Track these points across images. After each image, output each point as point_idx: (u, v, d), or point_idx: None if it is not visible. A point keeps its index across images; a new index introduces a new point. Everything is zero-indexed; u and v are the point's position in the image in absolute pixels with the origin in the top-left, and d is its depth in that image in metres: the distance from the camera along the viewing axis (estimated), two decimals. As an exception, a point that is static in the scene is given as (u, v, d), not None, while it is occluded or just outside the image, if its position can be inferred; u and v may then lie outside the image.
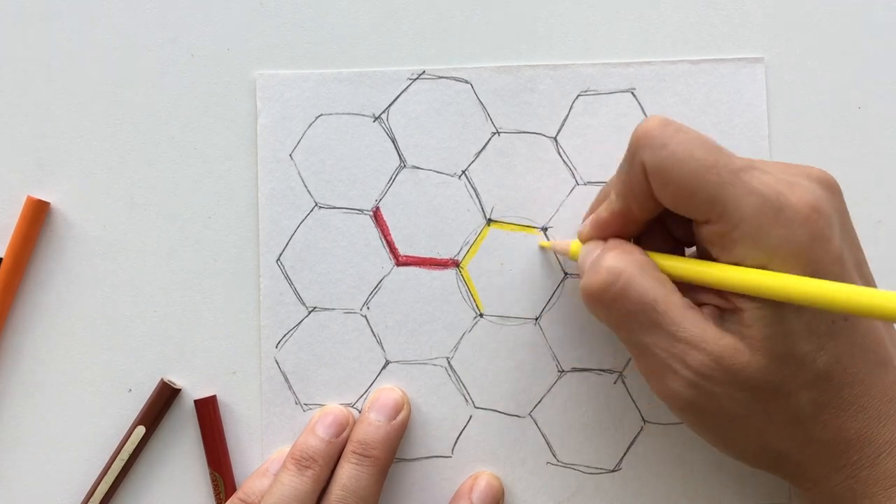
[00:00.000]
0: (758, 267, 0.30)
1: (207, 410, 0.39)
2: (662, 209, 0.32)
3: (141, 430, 0.39)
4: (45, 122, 0.40)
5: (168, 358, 0.40)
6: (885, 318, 0.27)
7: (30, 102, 0.40)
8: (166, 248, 0.40)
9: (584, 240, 0.35)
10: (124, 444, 0.39)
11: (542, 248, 0.39)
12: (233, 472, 0.39)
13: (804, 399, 0.30)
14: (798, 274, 0.29)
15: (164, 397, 0.39)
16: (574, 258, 0.36)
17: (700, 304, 0.32)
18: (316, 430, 0.37)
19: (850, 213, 0.32)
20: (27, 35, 0.40)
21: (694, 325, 0.30)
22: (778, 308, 0.30)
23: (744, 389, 0.30)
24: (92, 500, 0.38)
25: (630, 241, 0.34)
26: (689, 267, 0.32)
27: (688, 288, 0.32)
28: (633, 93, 0.39)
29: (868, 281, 0.32)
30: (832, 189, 0.31)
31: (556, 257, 0.39)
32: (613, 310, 0.32)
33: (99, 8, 0.40)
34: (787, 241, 0.29)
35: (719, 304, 0.31)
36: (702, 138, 0.31)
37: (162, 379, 0.39)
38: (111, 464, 0.39)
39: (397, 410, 0.38)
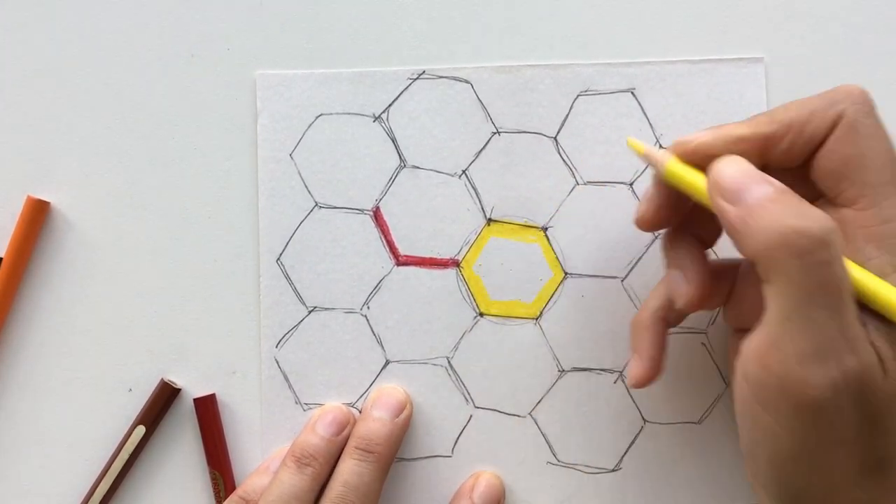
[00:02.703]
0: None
1: (207, 409, 0.39)
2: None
3: (141, 429, 0.39)
4: (45, 122, 0.40)
5: (168, 358, 0.40)
6: None
7: (30, 102, 0.40)
8: (166, 248, 0.40)
9: (708, 151, 0.30)
10: (124, 444, 0.39)
11: (630, 146, 0.34)
12: (233, 471, 0.39)
13: None
14: None
15: (164, 397, 0.39)
16: (666, 179, 0.31)
17: None
18: (316, 429, 0.37)
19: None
20: (27, 35, 0.40)
21: (857, 325, 0.27)
22: None
23: (860, 412, 0.27)
24: (92, 500, 0.38)
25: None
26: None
27: None
28: (633, 93, 0.39)
29: None
30: None
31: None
32: (807, 270, 0.26)
33: (99, 8, 0.40)
34: None
35: None
36: None
37: (162, 379, 0.39)
38: (111, 464, 0.39)
39: (401, 408, 0.38)
